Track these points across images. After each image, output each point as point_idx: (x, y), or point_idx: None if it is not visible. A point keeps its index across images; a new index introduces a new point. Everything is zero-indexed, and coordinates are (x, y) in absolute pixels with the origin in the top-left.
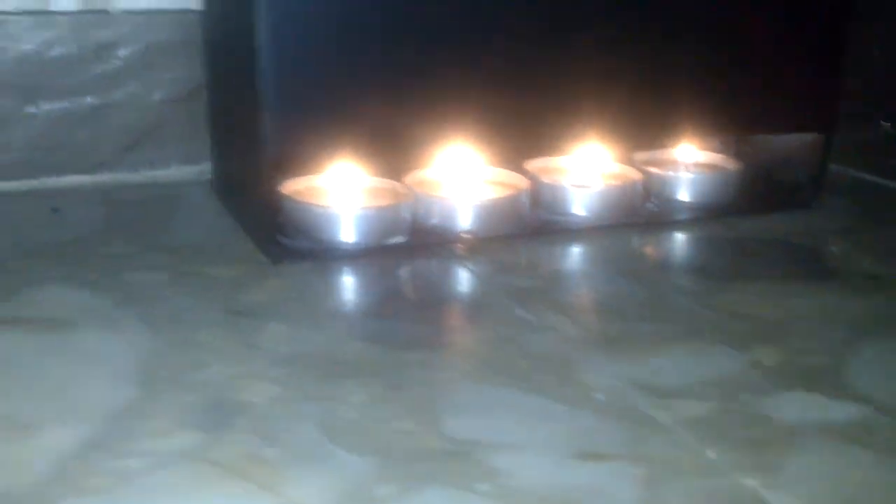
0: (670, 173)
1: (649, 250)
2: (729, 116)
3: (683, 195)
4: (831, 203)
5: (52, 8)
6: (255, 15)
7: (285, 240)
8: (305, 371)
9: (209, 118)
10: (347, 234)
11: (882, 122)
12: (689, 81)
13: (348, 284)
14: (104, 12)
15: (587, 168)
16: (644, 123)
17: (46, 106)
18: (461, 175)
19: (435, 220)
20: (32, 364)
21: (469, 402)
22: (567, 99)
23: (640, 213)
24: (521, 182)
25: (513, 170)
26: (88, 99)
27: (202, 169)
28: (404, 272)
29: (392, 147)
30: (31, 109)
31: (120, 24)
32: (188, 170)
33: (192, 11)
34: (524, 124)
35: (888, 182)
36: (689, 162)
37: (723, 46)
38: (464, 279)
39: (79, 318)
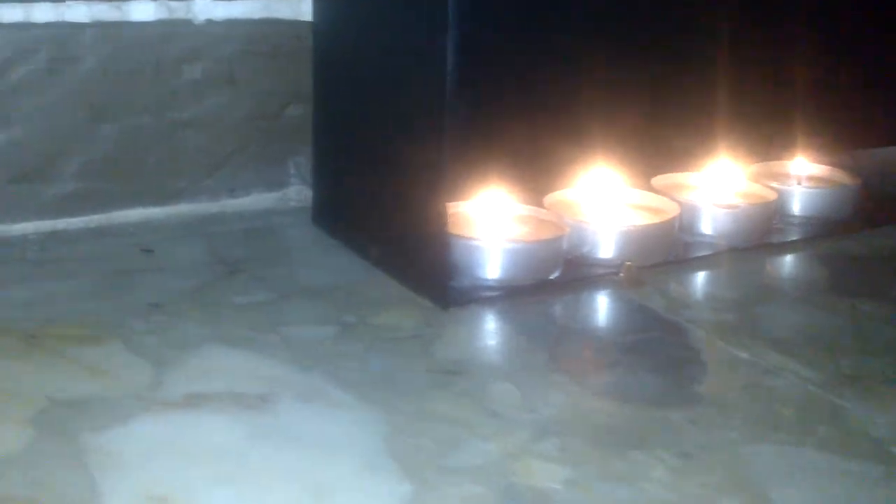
0: (796, 188)
1: (808, 272)
2: (847, 130)
3: (806, 210)
4: None
5: (130, 18)
6: (444, 48)
7: (448, 281)
8: (574, 441)
9: (316, 139)
10: (510, 270)
11: None
12: (805, 96)
13: (537, 329)
14: (187, 22)
15: (718, 185)
16: (763, 136)
17: (116, 125)
18: (599, 196)
19: (586, 249)
20: (258, 455)
21: (774, 467)
22: (695, 115)
23: (775, 232)
24: (667, 205)
25: (642, 187)
26: (166, 116)
27: (282, 195)
28: (585, 311)
29: (532, 169)
30: (102, 129)
31: (202, 35)
32: (269, 196)
33: (282, 21)
34: (654, 140)
35: None
36: (804, 176)
37: (840, 63)
38: (650, 316)
39: (271, 390)
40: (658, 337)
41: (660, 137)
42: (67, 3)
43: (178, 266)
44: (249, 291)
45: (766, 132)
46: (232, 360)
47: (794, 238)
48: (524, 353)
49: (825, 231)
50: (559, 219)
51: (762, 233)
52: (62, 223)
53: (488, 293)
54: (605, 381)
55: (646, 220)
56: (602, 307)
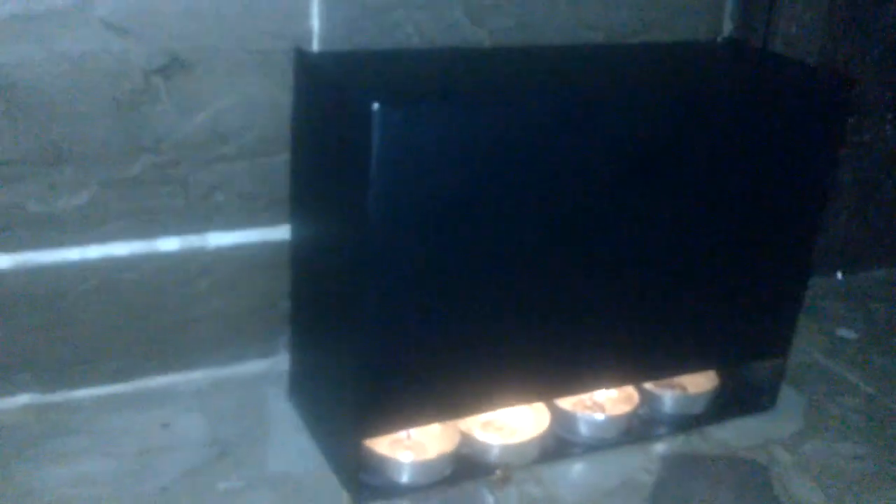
0: (655, 390)
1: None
2: (708, 353)
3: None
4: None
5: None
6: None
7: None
8: None
9: (292, 327)
10: (413, 476)
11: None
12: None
13: None
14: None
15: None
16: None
17: (150, 322)
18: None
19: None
20: None
21: None
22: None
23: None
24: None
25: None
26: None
27: (273, 362)
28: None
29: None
30: (136, 324)
31: (213, 256)
32: (264, 363)
33: (273, 242)
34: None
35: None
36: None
37: (709, 294)
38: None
39: None
40: None
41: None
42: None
43: (187, 442)
44: (231, 477)
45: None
46: None
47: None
48: None
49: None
50: (457, 433)
51: (625, 433)
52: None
53: (396, 492)
54: None
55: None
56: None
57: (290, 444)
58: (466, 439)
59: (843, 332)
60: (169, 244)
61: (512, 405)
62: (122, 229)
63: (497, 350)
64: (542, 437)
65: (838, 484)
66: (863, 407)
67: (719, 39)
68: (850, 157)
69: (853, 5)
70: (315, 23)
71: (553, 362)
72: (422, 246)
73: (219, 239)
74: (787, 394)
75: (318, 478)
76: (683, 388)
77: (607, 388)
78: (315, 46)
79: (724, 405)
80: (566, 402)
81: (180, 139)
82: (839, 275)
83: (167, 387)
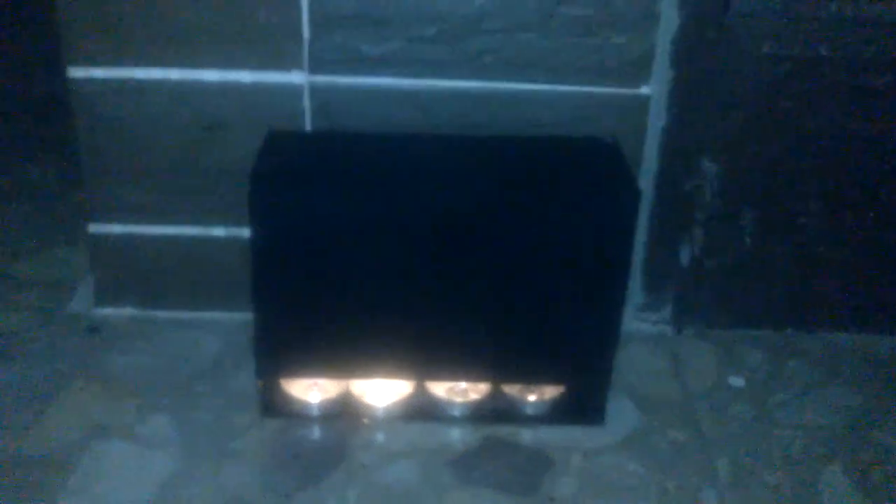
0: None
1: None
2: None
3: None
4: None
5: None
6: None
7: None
8: None
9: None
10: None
11: None
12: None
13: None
14: None
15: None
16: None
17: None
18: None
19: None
20: None
21: None
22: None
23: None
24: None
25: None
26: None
27: None
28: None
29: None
30: None
31: None
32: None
33: None
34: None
35: None
36: None
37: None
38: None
39: None
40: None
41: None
42: None
43: None
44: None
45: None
46: None
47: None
48: None
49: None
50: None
51: (468, 415)
52: None
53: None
54: None
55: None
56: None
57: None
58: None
59: (734, 380)
60: None
61: (387, 378)
62: None
63: (375, 338)
64: (406, 403)
65: (601, 488)
66: (684, 440)
67: (609, 140)
68: None
69: None
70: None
71: (423, 355)
72: (304, 273)
73: None
74: (631, 417)
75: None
76: (533, 393)
77: (464, 381)
78: (307, 121)
79: (561, 413)
80: (442, 387)
81: None
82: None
83: None
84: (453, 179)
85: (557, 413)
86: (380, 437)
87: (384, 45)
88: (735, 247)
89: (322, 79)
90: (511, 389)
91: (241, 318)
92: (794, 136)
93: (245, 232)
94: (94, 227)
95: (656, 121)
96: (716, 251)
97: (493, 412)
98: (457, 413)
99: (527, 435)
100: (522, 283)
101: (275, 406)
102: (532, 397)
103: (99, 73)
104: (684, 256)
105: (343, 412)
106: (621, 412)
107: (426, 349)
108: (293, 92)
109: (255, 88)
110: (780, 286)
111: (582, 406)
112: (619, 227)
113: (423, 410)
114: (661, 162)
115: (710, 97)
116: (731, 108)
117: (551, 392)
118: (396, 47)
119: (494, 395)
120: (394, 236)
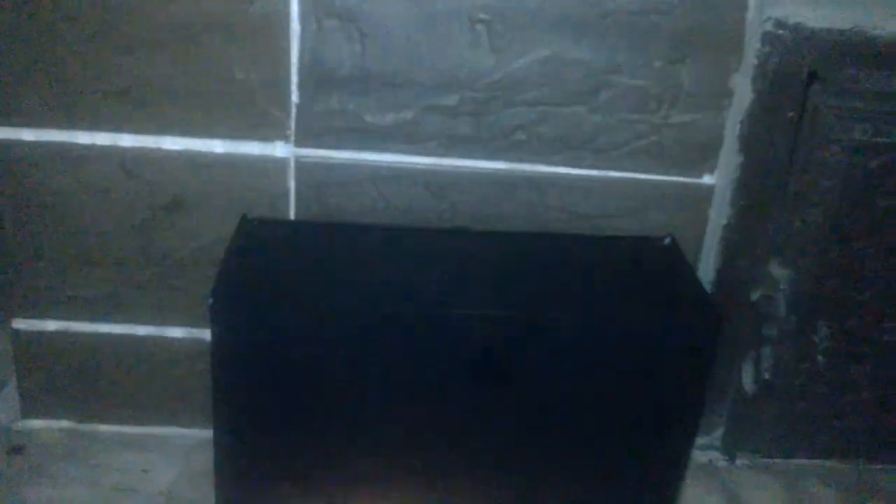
0: None
1: None
2: None
3: None
4: None
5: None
6: None
7: None
8: None
9: None
10: None
11: None
12: None
13: None
14: None
15: None
16: None
17: None
18: None
19: None
20: None
21: None
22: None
23: None
24: None
25: None
26: None
27: None
28: None
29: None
30: None
31: None
32: None
33: None
34: None
35: None
36: None
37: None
38: None
39: None
40: None
41: None
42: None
43: None
44: None
45: None
46: None
47: None
48: None
49: None
50: None
51: None
52: None
53: None
54: None
55: None
56: None
57: None
58: None
59: None
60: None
61: None
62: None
63: (366, 470)
64: None
65: None
66: None
67: (666, 242)
68: None
69: None
70: (291, 184)
71: (426, 490)
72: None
73: None
74: None
75: None
76: None
77: None
78: (291, 204)
79: None
80: None
81: None
82: None
83: None
84: (475, 290)
85: None
86: None
87: (393, 113)
88: (806, 366)
89: (312, 153)
90: None
91: (200, 436)
92: (886, 241)
93: (207, 334)
94: (19, 323)
95: (718, 217)
96: (781, 369)
97: None
98: None
99: None
100: (560, 430)
101: None
102: None
103: (29, 134)
104: (747, 380)
105: None
106: None
107: (432, 485)
108: (275, 167)
109: (228, 161)
110: (857, 412)
111: None
112: (694, 357)
113: None
114: (721, 265)
115: (785, 190)
116: (811, 206)
117: None
118: (409, 117)
119: None
120: (395, 360)
